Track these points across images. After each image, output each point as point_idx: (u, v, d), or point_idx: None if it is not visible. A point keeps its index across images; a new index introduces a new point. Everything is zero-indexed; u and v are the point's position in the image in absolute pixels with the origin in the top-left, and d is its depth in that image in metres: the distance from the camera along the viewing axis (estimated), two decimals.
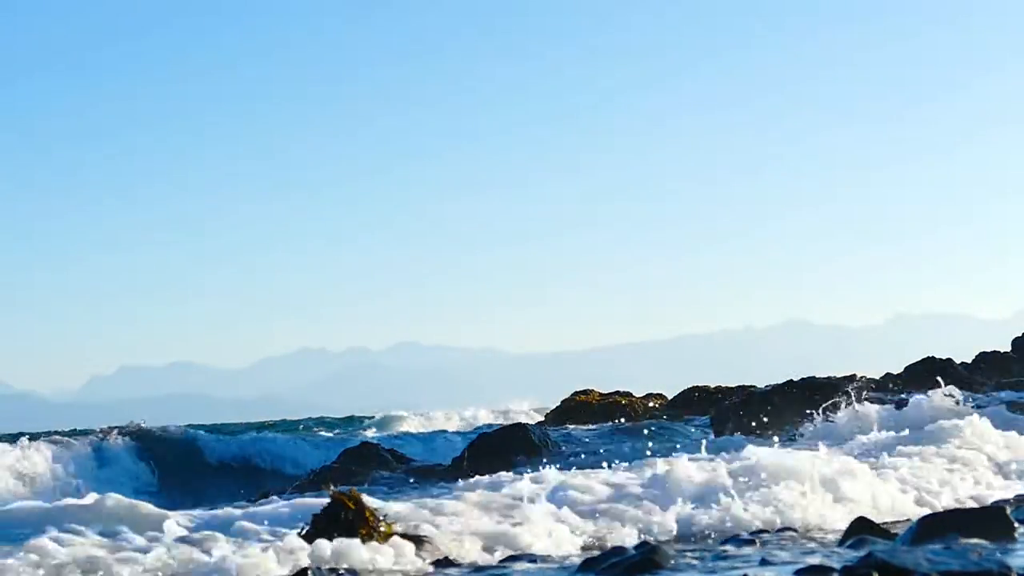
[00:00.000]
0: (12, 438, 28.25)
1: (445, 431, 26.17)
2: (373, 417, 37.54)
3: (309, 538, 7.70)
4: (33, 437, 28.29)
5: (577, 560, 7.23)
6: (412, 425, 32.79)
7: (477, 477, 10.62)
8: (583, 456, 15.04)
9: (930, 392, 15.78)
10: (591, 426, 23.07)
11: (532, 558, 7.56)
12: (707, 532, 8.55)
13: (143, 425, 22.63)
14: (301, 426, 33.44)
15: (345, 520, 7.81)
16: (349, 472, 15.33)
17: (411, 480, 15.24)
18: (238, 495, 14.55)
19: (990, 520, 6.98)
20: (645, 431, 19.15)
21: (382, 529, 7.87)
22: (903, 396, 19.41)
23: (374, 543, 7.52)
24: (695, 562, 7.06)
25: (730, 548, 7.57)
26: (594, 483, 9.26)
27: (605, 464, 10.63)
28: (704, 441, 13.15)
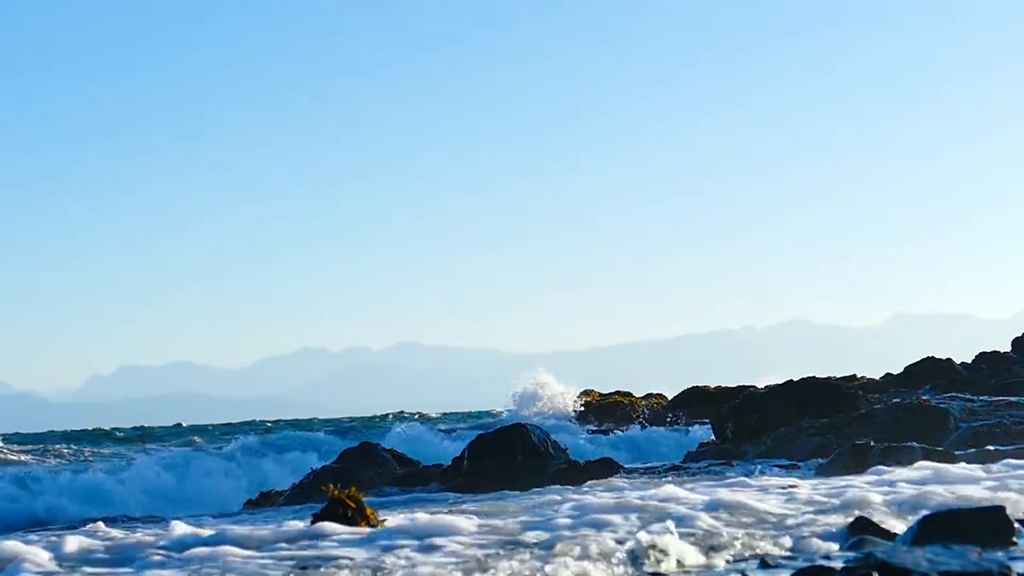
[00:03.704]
0: (21, 438, 28.70)
1: None
2: (469, 413, 36.76)
3: (308, 537, 7.71)
4: (42, 437, 28.87)
5: None
6: None
7: None
8: None
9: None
10: None
11: None
12: None
13: None
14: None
15: (345, 518, 7.82)
16: (348, 472, 15.31)
17: (404, 484, 15.25)
18: None
19: (990, 520, 6.97)
20: None
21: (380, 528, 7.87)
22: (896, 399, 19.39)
23: None
24: None
25: None
26: None
27: None
28: None
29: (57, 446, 27.42)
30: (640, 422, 25.96)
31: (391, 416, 38.85)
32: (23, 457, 25.00)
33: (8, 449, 25.51)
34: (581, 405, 28.38)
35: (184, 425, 38.96)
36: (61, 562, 7.39)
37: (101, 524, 10.05)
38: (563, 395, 29.00)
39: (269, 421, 41.05)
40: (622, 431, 24.73)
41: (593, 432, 24.74)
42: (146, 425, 38.99)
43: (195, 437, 31.83)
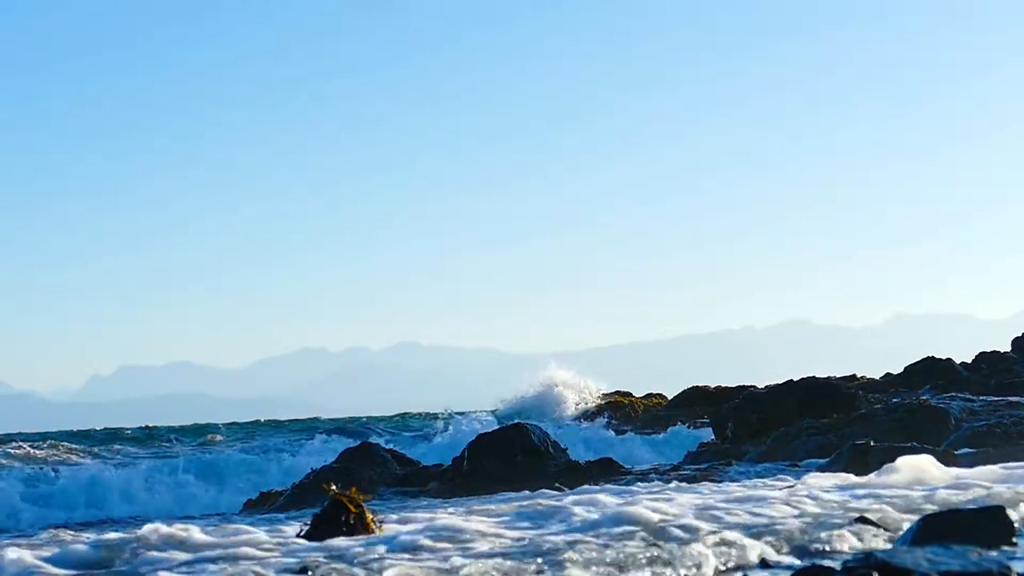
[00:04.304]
0: (27, 437, 28.81)
1: None
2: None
3: (308, 538, 7.70)
4: (49, 437, 28.93)
5: None
6: None
7: None
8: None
9: None
10: None
11: None
12: None
13: None
14: None
15: (345, 521, 7.80)
16: (348, 472, 15.27)
17: (404, 484, 15.24)
18: None
19: (990, 520, 6.97)
20: None
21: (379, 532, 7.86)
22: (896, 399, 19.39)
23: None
24: None
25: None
26: None
27: None
28: None
29: (65, 443, 27.45)
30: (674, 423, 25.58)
31: (397, 416, 38.92)
32: (37, 452, 25.02)
33: (18, 448, 25.51)
34: (605, 404, 28.23)
35: (188, 425, 39.01)
36: (55, 563, 7.38)
37: (90, 534, 10.05)
38: (583, 389, 28.80)
39: (273, 421, 41.12)
40: (643, 431, 24.64)
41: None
42: (150, 425, 39.03)
43: (214, 435, 31.77)
